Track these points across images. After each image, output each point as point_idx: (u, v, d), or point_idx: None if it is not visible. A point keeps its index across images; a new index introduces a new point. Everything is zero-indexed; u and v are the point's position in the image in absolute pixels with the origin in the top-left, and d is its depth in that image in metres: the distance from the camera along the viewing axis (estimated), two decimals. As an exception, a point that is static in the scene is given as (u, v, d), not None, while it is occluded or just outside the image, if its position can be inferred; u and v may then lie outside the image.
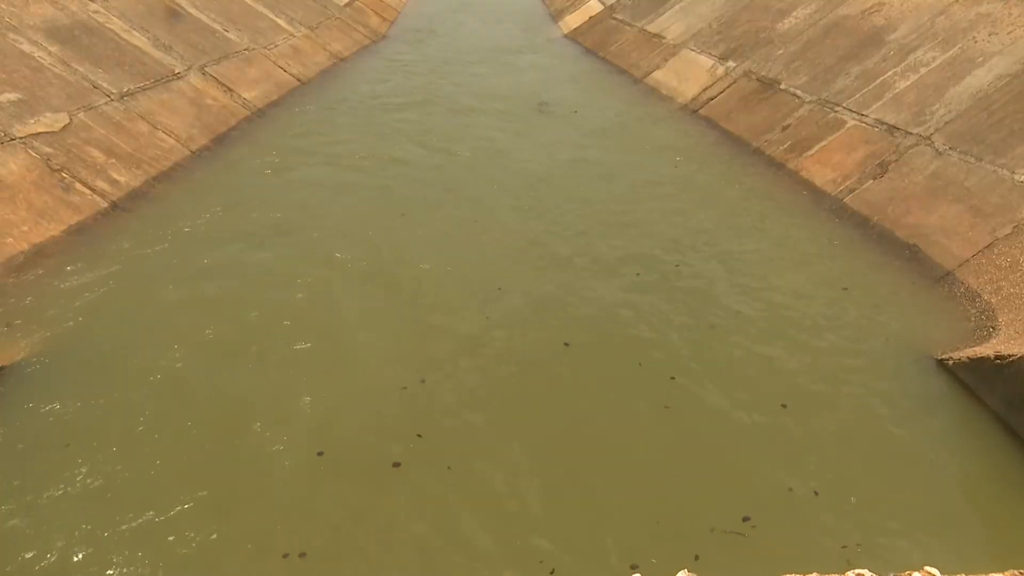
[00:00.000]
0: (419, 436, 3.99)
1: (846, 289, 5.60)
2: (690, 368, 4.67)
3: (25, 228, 5.78)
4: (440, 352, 4.78)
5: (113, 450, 3.77)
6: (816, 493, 3.64)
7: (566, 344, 4.88)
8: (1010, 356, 4.24)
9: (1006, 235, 5.50)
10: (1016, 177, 5.83)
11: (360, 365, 4.66)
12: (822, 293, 5.60)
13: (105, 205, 6.55)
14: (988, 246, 5.54)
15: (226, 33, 10.96)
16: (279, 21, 12.69)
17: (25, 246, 5.64)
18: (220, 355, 4.66)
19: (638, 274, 5.85)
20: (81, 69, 7.95)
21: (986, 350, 4.56)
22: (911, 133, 7.02)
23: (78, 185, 6.53)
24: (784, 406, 4.30)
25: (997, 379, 4.31)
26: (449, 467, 3.77)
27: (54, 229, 5.97)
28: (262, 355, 4.68)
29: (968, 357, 4.59)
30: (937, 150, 6.65)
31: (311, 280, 5.65)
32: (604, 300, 5.48)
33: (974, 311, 5.17)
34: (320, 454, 3.84)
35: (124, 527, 3.30)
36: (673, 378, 4.54)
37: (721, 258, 6.13)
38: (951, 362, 4.68)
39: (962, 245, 5.71)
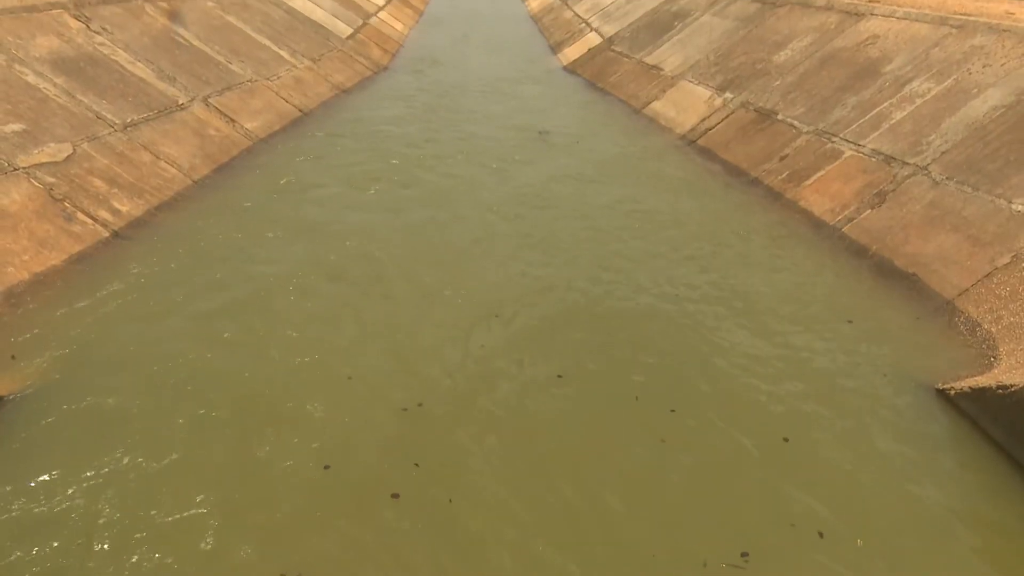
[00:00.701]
0: (416, 465, 3.97)
1: (851, 322, 5.58)
2: (689, 401, 4.65)
3: (26, 257, 5.80)
4: (436, 378, 4.77)
5: (111, 487, 3.74)
6: (821, 535, 3.59)
7: (559, 376, 4.87)
8: (1012, 386, 4.23)
9: (1005, 264, 5.51)
10: (1013, 207, 5.86)
11: (360, 383, 4.66)
12: (824, 325, 5.60)
13: (107, 234, 6.58)
14: (987, 275, 5.55)
15: (229, 65, 11.10)
16: (282, 53, 12.86)
17: (26, 275, 5.65)
18: (223, 380, 4.65)
19: (637, 303, 5.85)
20: (85, 100, 8.03)
21: (987, 380, 4.54)
22: (908, 163, 7.07)
23: (80, 215, 6.56)
24: (786, 440, 4.28)
25: (999, 409, 4.29)
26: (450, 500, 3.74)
27: (55, 258, 5.98)
28: (265, 377, 4.66)
29: (970, 387, 4.58)
30: (934, 180, 6.69)
31: (311, 300, 5.66)
32: (600, 330, 5.47)
33: (974, 340, 5.16)
34: (327, 467, 3.91)
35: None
36: (673, 411, 4.52)
37: (721, 289, 6.14)
38: (952, 392, 4.66)
39: (961, 274, 5.72)
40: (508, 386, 4.76)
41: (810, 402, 4.64)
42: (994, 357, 4.87)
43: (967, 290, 5.58)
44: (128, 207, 7.05)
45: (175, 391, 4.54)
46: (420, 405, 4.49)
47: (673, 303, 5.88)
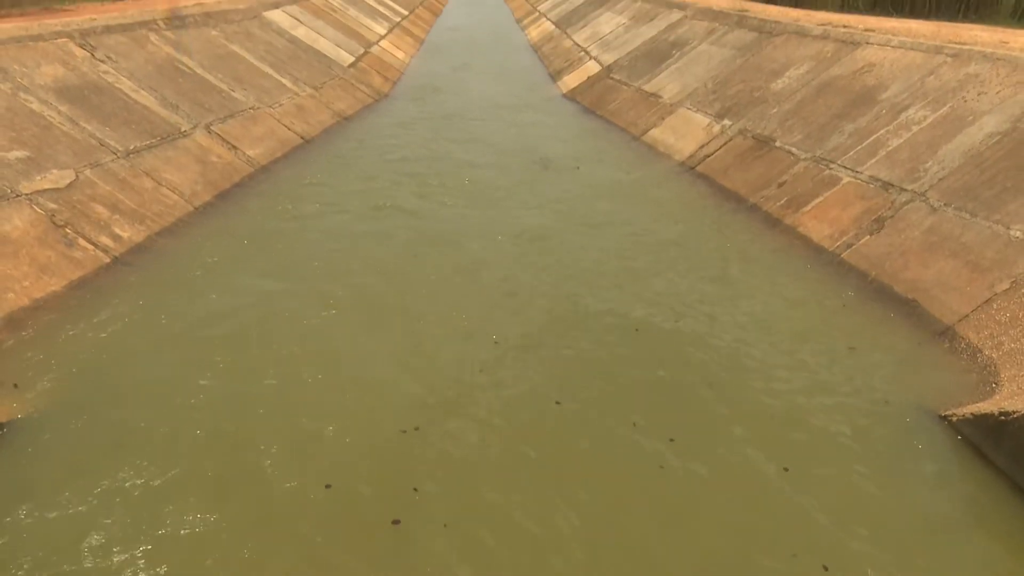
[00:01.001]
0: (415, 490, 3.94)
1: (853, 348, 5.55)
2: (688, 427, 4.62)
3: (27, 283, 5.81)
4: (434, 404, 4.75)
5: (113, 506, 3.71)
6: (826, 568, 3.55)
7: (557, 403, 4.85)
8: (1014, 412, 4.21)
9: (1004, 290, 5.52)
10: (1012, 232, 5.88)
11: (359, 405, 4.65)
12: (824, 351, 5.58)
13: (107, 260, 6.60)
14: (987, 301, 5.55)
15: (232, 92, 11.21)
16: (284, 81, 13.00)
17: (26, 301, 5.66)
18: (221, 407, 4.63)
19: (636, 330, 5.85)
20: (89, 127, 8.10)
21: (990, 406, 4.52)
22: (906, 189, 7.11)
23: (81, 240, 6.58)
24: (786, 469, 4.24)
25: (1002, 435, 4.26)
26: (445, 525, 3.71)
27: (56, 284, 6.00)
28: (264, 401, 4.65)
29: (971, 413, 4.56)
30: (932, 206, 6.72)
31: (310, 325, 5.66)
32: (599, 357, 5.46)
33: (976, 366, 5.15)
34: (328, 487, 3.93)
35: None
36: (672, 440, 4.49)
37: (720, 315, 6.13)
38: (955, 418, 4.64)
39: (961, 300, 5.73)
40: (505, 412, 4.74)
41: (811, 430, 4.61)
42: (996, 383, 4.86)
43: (967, 316, 5.58)
44: (129, 233, 7.08)
45: (176, 416, 4.53)
46: (416, 429, 4.49)
47: (672, 329, 5.88)
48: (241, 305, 6.07)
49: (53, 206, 6.69)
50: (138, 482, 3.92)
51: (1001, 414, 4.30)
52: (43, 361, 5.01)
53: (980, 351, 5.23)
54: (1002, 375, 4.89)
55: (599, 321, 6.00)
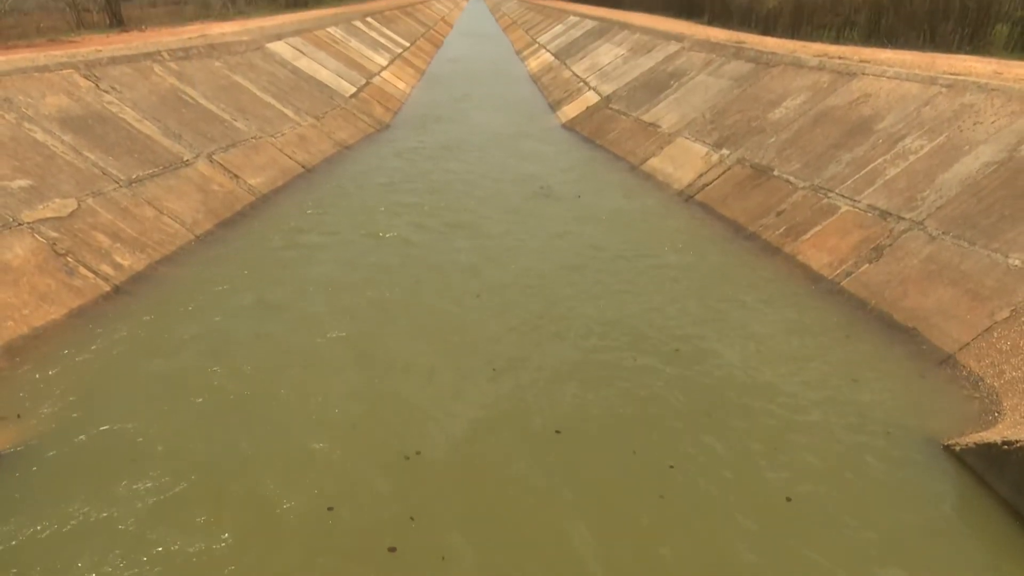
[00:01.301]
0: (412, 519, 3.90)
1: (856, 380, 5.51)
2: (689, 456, 4.59)
3: (26, 312, 5.81)
4: (433, 432, 4.72)
5: (117, 524, 3.67)
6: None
7: (557, 431, 4.83)
8: (1017, 441, 4.18)
9: (1004, 319, 5.51)
10: (1010, 261, 5.89)
11: (357, 430, 4.61)
12: (827, 380, 5.56)
13: (107, 288, 6.60)
14: (987, 329, 5.55)
15: (234, 122, 11.31)
16: (286, 111, 13.12)
17: (25, 329, 5.66)
18: (216, 440, 4.60)
19: (635, 359, 5.83)
20: (92, 156, 8.16)
21: (993, 435, 4.50)
22: (904, 218, 7.14)
23: (82, 269, 6.59)
24: (788, 499, 4.21)
25: (1005, 464, 4.23)
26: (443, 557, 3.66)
27: (55, 312, 5.99)
28: (259, 433, 4.61)
29: (975, 443, 4.53)
30: (930, 235, 6.75)
31: (309, 354, 5.64)
32: (599, 385, 5.44)
33: (978, 395, 5.12)
34: (330, 509, 3.95)
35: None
36: (671, 467, 4.46)
37: (721, 344, 6.12)
38: (958, 448, 4.61)
39: (961, 328, 5.72)
40: (505, 440, 4.72)
41: (814, 460, 4.58)
42: (998, 412, 4.83)
43: (968, 344, 5.57)
44: (130, 261, 7.09)
45: (177, 441, 4.51)
46: (418, 453, 4.47)
47: (672, 357, 5.86)
48: (239, 334, 6.06)
49: (55, 235, 6.71)
50: (137, 505, 3.88)
51: (1004, 443, 4.28)
52: (41, 391, 5.00)
53: (982, 380, 5.21)
54: (1004, 404, 4.87)
55: (597, 349, 5.98)
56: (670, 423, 4.97)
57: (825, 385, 5.44)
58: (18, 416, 4.68)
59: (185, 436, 4.61)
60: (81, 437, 4.53)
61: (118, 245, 7.17)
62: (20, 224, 6.55)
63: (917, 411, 5.11)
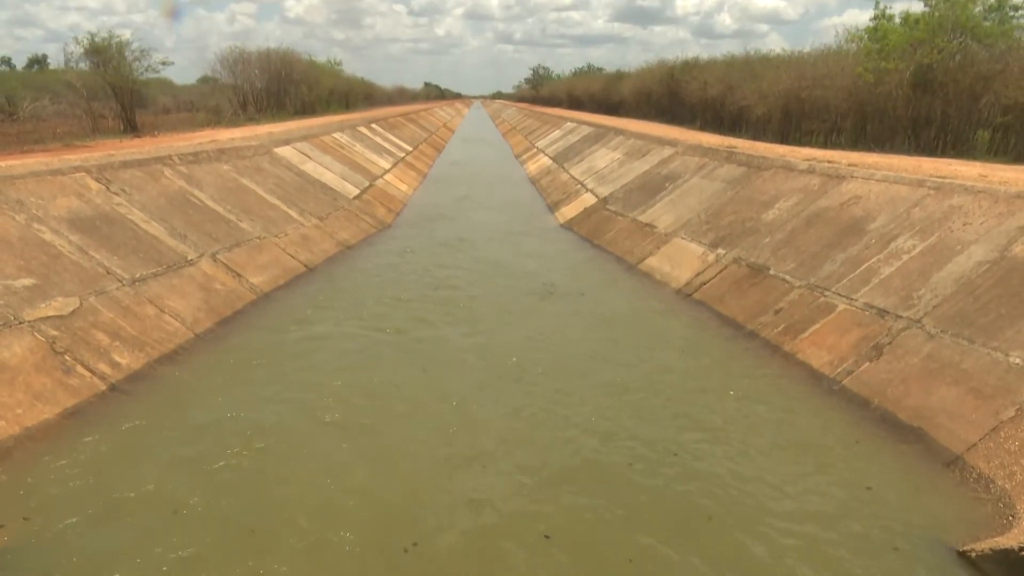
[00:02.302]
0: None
1: (870, 488, 5.34)
2: (690, 568, 4.42)
3: (20, 411, 5.74)
4: (425, 532, 4.57)
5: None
6: None
7: (547, 536, 4.68)
8: (1034, 547, 4.04)
9: (1010, 418, 5.45)
10: (1011, 359, 5.88)
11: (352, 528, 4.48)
12: (832, 487, 5.43)
13: (104, 387, 6.55)
14: (994, 429, 5.47)
15: (239, 223, 11.55)
16: (291, 212, 13.43)
17: (17, 430, 5.57)
18: (213, 530, 4.45)
19: (631, 464, 5.69)
20: (97, 256, 8.29)
21: (1009, 540, 4.35)
22: (901, 316, 7.18)
23: (79, 367, 6.56)
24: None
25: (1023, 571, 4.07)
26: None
27: (49, 412, 5.92)
28: (254, 525, 4.46)
29: (991, 549, 4.37)
30: (929, 333, 6.76)
31: (306, 457, 5.52)
32: (596, 489, 5.30)
33: (989, 497, 4.99)
34: None
35: None
36: None
37: (724, 450, 6.00)
38: (974, 554, 4.45)
39: (967, 428, 5.64)
40: (494, 545, 4.57)
41: (827, 569, 4.41)
42: (1012, 515, 4.69)
43: (975, 444, 5.47)
44: (128, 360, 7.07)
45: (170, 542, 4.36)
46: (416, 544, 4.31)
47: (672, 460, 5.74)
48: (234, 434, 5.96)
49: (54, 333, 6.72)
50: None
51: (1021, 549, 4.13)
52: (24, 494, 4.89)
53: (992, 481, 5.09)
54: (1017, 507, 4.73)
55: (596, 453, 5.87)
56: (669, 529, 4.81)
57: (830, 490, 5.30)
58: (24, 519, 4.59)
59: (177, 533, 4.46)
60: (63, 537, 4.39)
61: (117, 343, 7.17)
62: (21, 322, 6.57)
63: (929, 516, 4.96)
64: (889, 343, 6.99)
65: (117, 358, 6.99)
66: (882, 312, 7.42)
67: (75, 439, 5.66)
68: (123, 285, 8.10)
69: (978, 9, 16.04)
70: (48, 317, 6.85)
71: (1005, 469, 5.11)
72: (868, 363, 6.95)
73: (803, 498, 5.18)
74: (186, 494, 5.00)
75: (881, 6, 17.86)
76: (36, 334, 6.57)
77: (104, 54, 20.24)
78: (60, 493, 4.94)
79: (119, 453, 5.54)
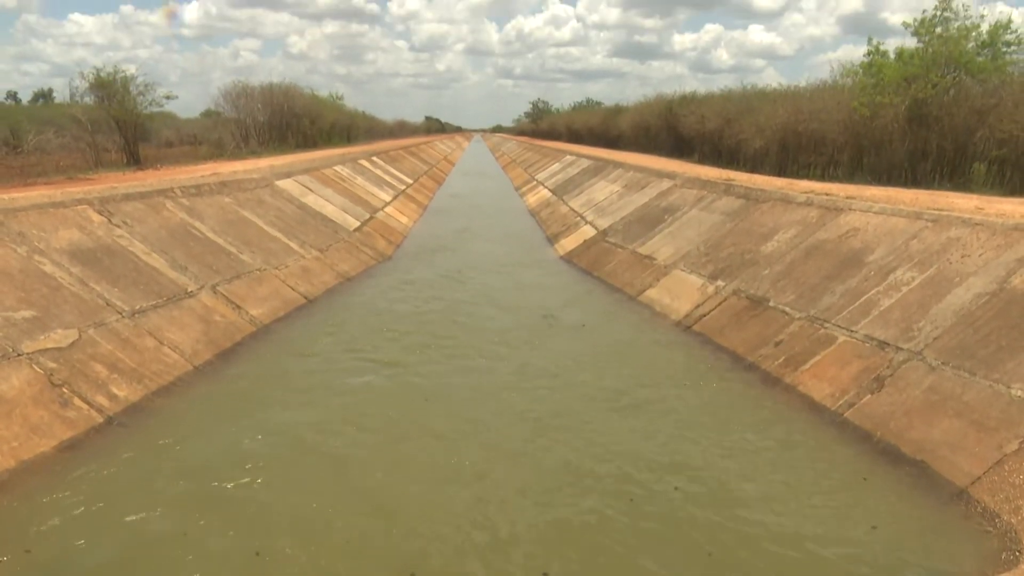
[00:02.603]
0: None
1: (875, 527, 5.26)
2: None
3: (15, 444, 5.69)
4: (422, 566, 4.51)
5: None
6: None
7: (545, 575, 4.61)
8: (1042, 584, 3.98)
9: (1014, 451, 5.40)
10: (1013, 392, 5.85)
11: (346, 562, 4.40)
12: (837, 522, 5.36)
13: (101, 420, 6.51)
14: (998, 462, 5.42)
15: (240, 255, 11.59)
16: (291, 244, 13.48)
17: (12, 463, 5.53)
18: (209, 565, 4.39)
19: (631, 500, 5.63)
20: (98, 288, 8.30)
21: (1016, 576, 4.29)
22: (902, 348, 7.16)
23: (76, 400, 6.53)
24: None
25: (1033, 610, 4.00)
26: None
27: (45, 445, 5.88)
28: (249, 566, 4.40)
29: (998, 585, 4.30)
30: (930, 365, 6.74)
31: (303, 492, 5.46)
32: (596, 523, 5.24)
33: (996, 532, 4.93)
34: None
35: None
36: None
37: (727, 486, 5.92)
38: (981, 590, 4.38)
39: (971, 461, 5.59)
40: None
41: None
42: (1018, 551, 4.63)
43: (979, 478, 5.42)
44: (126, 392, 7.03)
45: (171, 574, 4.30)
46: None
47: (672, 497, 5.68)
48: (231, 467, 5.91)
49: (53, 365, 6.70)
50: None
51: (1029, 586, 4.07)
52: (17, 529, 4.83)
53: (998, 516, 5.03)
54: (1024, 542, 4.67)
55: (597, 484, 5.81)
56: (668, 565, 4.75)
57: (839, 531, 5.24)
58: (27, 551, 4.54)
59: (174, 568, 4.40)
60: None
61: (115, 376, 7.14)
62: (20, 354, 6.55)
63: (936, 552, 4.89)
64: (890, 375, 6.97)
65: (115, 390, 6.96)
66: (882, 344, 7.40)
67: (72, 472, 5.61)
68: (123, 317, 8.10)
69: (971, 45, 16.29)
70: (47, 349, 6.83)
71: (1011, 503, 5.06)
72: (870, 395, 6.91)
73: (807, 537, 5.10)
74: (184, 526, 4.94)
75: (875, 42, 18.15)
76: (34, 366, 6.55)
77: (109, 88, 20.48)
78: (61, 525, 4.89)
79: (116, 485, 5.48)
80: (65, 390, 6.53)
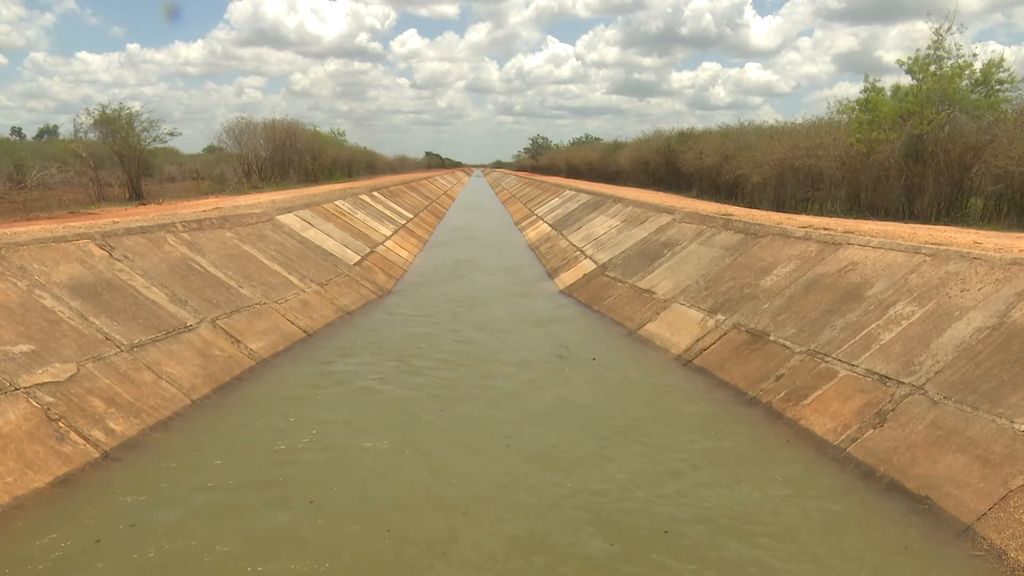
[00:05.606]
0: None
1: (882, 565, 5.21)
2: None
3: (10, 480, 5.63)
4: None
5: None
6: None
7: None
8: (1053, 623, 3.90)
9: (1020, 486, 5.34)
10: (1016, 427, 5.81)
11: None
12: (847, 565, 5.29)
13: (97, 455, 6.44)
14: (1003, 498, 5.35)
15: (240, 289, 11.59)
16: (291, 278, 13.50)
17: (6, 498, 5.46)
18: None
19: (634, 541, 5.55)
20: (97, 322, 8.28)
21: (1025, 616, 4.20)
22: (903, 383, 7.12)
23: (73, 435, 6.47)
24: None
25: (1044, 651, 3.92)
26: None
27: (39, 480, 5.81)
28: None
29: (1007, 625, 4.22)
30: (932, 399, 6.70)
31: (301, 526, 5.39)
32: (598, 563, 5.16)
33: (1003, 570, 4.85)
34: None
35: None
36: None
37: (726, 525, 5.87)
38: (990, 630, 4.29)
39: (976, 497, 5.52)
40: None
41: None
42: (1027, 590, 4.55)
43: (985, 514, 5.35)
44: (123, 427, 6.98)
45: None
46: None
47: (671, 535, 5.61)
48: (224, 503, 5.84)
49: (50, 399, 6.66)
50: None
51: (1039, 625, 3.99)
52: (23, 564, 4.75)
53: (1005, 553, 4.95)
54: (1033, 580, 4.59)
55: (597, 524, 5.74)
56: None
57: (846, 568, 5.16)
58: None
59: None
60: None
61: (112, 410, 7.09)
62: (16, 389, 6.51)
63: (941, 589, 4.81)
64: (892, 410, 6.92)
65: (112, 425, 6.90)
66: (884, 378, 7.37)
67: (66, 508, 5.54)
68: (121, 351, 8.07)
69: (965, 83, 16.54)
70: (44, 383, 6.80)
71: (1017, 540, 4.98)
72: (872, 430, 6.86)
73: None
74: (178, 564, 4.86)
75: (871, 79, 18.43)
76: (31, 400, 6.50)
77: (114, 124, 20.74)
78: (56, 562, 4.80)
79: (110, 521, 5.41)
80: (62, 424, 6.48)
